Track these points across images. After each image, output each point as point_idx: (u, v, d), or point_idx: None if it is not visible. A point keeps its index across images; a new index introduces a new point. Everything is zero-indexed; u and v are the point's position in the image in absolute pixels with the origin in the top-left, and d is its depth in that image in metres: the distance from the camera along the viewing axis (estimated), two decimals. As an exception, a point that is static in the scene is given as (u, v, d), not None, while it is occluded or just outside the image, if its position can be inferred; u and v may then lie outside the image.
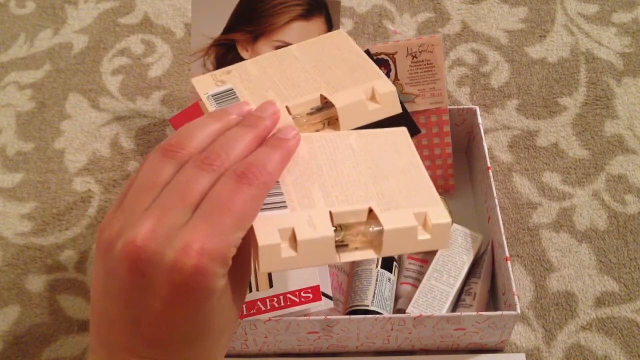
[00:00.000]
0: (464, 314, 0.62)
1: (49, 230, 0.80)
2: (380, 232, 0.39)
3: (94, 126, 0.89)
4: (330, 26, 0.79)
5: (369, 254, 0.40)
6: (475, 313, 0.62)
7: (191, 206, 0.35)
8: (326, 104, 0.46)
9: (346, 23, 0.98)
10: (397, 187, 0.42)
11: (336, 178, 0.42)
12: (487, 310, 0.69)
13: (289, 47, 0.51)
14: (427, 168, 0.79)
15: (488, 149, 0.81)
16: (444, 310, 0.65)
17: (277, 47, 0.79)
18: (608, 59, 0.92)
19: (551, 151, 0.83)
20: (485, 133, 0.81)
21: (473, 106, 0.77)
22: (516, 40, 0.95)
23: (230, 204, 0.34)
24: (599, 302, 0.72)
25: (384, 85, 0.46)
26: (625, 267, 0.74)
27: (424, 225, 0.41)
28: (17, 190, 0.84)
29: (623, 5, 0.98)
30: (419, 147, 0.78)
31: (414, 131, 0.74)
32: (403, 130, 0.47)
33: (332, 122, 0.46)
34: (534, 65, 0.92)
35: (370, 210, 0.40)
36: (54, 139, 0.88)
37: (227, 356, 0.69)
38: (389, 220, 0.40)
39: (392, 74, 0.74)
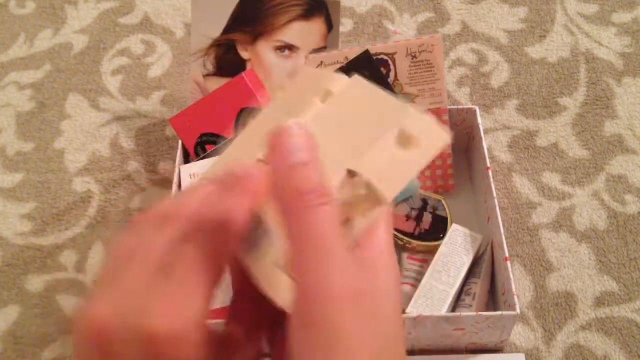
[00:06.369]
0: (463, 314, 0.62)
1: (48, 230, 0.80)
2: (370, 186, 0.33)
3: (93, 126, 0.89)
4: (330, 26, 0.79)
5: (376, 211, 0.33)
6: (474, 313, 0.62)
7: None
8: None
9: (346, 23, 0.98)
10: (362, 128, 0.34)
11: None
12: (486, 310, 0.69)
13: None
14: (427, 168, 0.79)
15: (488, 149, 0.81)
16: (443, 310, 0.65)
17: (277, 47, 0.79)
18: (608, 59, 0.92)
19: (551, 151, 0.83)
20: (485, 133, 0.81)
21: (473, 106, 0.77)
22: (516, 40, 0.95)
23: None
24: (599, 302, 0.72)
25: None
26: (625, 267, 0.74)
27: (407, 142, 0.33)
28: (17, 190, 0.84)
29: (623, 5, 0.98)
30: (418, 147, 0.78)
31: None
32: (348, 85, 0.38)
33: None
34: (534, 65, 0.92)
35: (350, 172, 0.33)
36: (54, 139, 0.88)
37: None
38: (370, 168, 0.32)
39: (392, 74, 0.74)
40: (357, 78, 0.38)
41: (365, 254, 0.30)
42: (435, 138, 0.34)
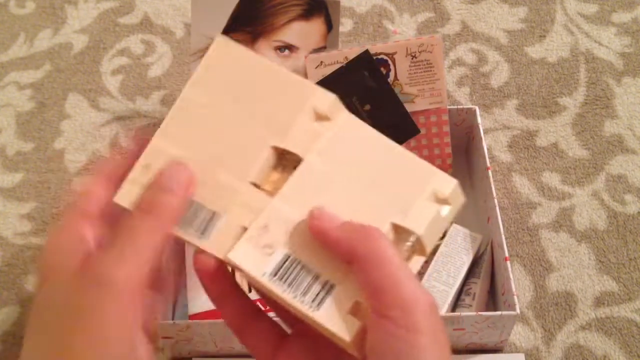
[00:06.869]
0: (463, 314, 0.62)
1: (49, 230, 0.80)
2: (418, 238, 0.37)
3: (93, 126, 0.89)
4: (330, 26, 0.79)
5: (419, 262, 0.37)
6: (474, 313, 0.62)
7: None
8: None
9: (346, 23, 0.98)
10: (392, 183, 0.38)
11: (340, 210, 0.37)
12: (486, 310, 0.69)
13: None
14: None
15: (488, 149, 0.81)
16: (443, 310, 0.65)
17: (277, 47, 0.79)
18: (608, 58, 0.92)
19: (551, 151, 0.84)
20: (485, 133, 0.81)
21: (473, 106, 0.77)
22: (516, 40, 0.95)
23: None
24: (599, 302, 0.72)
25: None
26: (625, 267, 0.74)
27: (441, 201, 0.38)
28: (17, 190, 0.84)
29: (623, 5, 0.98)
30: (418, 147, 0.78)
31: (413, 131, 0.74)
32: (350, 122, 0.40)
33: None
34: (533, 65, 0.92)
35: (394, 225, 0.37)
36: (53, 139, 0.88)
37: (227, 356, 0.69)
38: (417, 224, 0.37)
39: (392, 74, 0.74)
40: (352, 118, 0.40)
41: None
42: (459, 198, 0.39)
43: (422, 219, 0.37)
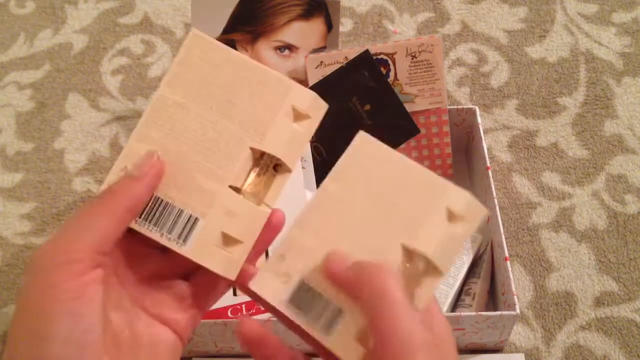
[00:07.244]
0: (463, 314, 0.62)
1: (48, 230, 0.80)
2: (428, 260, 0.36)
3: (93, 126, 0.89)
4: (330, 26, 0.79)
5: (434, 282, 0.36)
6: (474, 313, 0.62)
7: None
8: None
9: (346, 23, 0.98)
10: (406, 202, 0.37)
11: (354, 236, 0.37)
12: (486, 310, 0.69)
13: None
14: (426, 167, 0.78)
15: (488, 149, 0.81)
16: (443, 310, 0.65)
17: (277, 47, 0.79)
18: (608, 58, 0.92)
19: (551, 151, 0.84)
20: (484, 133, 0.81)
21: (472, 106, 0.77)
22: (516, 40, 0.95)
23: None
24: (598, 302, 0.72)
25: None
26: (625, 266, 0.74)
27: (453, 218, 0.36)
28: (17, 190, 0.84)
29: (623, 5, 0.98)
30: (418, 147, 0.78)
31: (413, 131, 0.74)
32: (362, 137, 0.39)
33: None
34: (533, 65, 0.92)
35: (404, 247, 0.36)
36: (53, 139, 0.88)
37: (226, 356, 0.69)
38: (426, 244, 0.36)
39: (392, 74, 0.74)
40: (364, 136, 0.39)
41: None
42: (476, 212, 0.37)
43: (431, 239, 0.36)
